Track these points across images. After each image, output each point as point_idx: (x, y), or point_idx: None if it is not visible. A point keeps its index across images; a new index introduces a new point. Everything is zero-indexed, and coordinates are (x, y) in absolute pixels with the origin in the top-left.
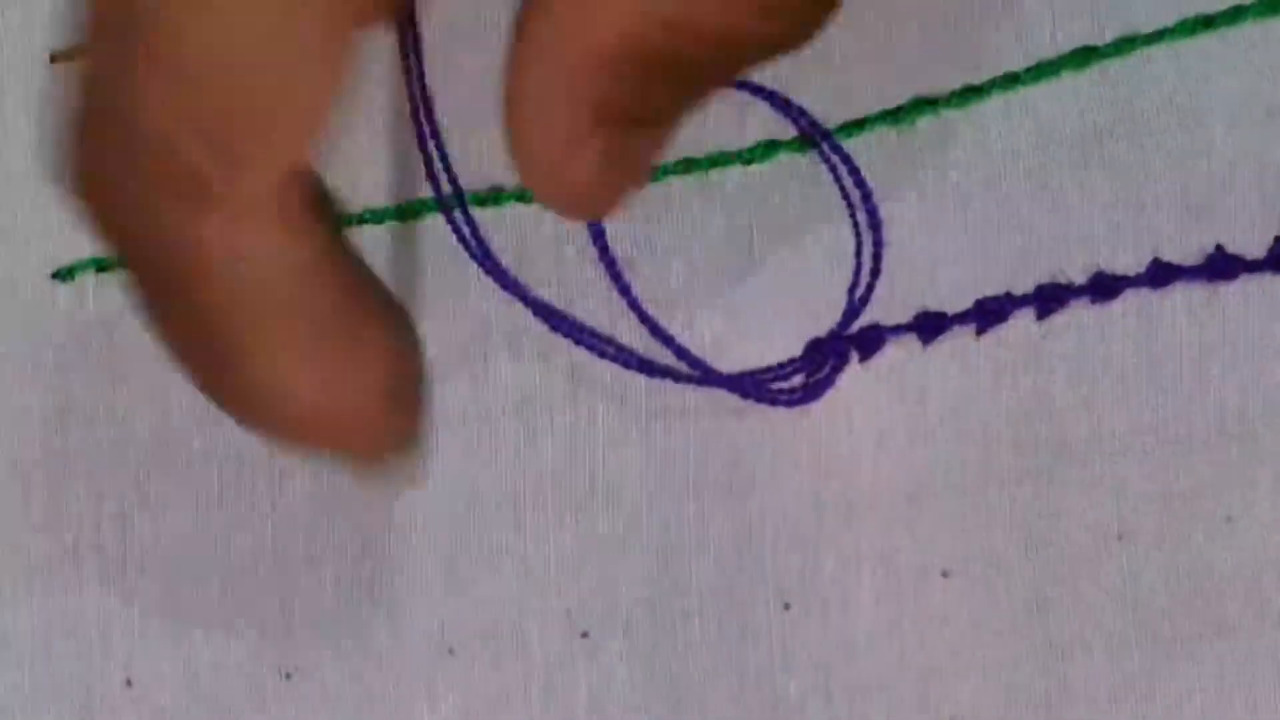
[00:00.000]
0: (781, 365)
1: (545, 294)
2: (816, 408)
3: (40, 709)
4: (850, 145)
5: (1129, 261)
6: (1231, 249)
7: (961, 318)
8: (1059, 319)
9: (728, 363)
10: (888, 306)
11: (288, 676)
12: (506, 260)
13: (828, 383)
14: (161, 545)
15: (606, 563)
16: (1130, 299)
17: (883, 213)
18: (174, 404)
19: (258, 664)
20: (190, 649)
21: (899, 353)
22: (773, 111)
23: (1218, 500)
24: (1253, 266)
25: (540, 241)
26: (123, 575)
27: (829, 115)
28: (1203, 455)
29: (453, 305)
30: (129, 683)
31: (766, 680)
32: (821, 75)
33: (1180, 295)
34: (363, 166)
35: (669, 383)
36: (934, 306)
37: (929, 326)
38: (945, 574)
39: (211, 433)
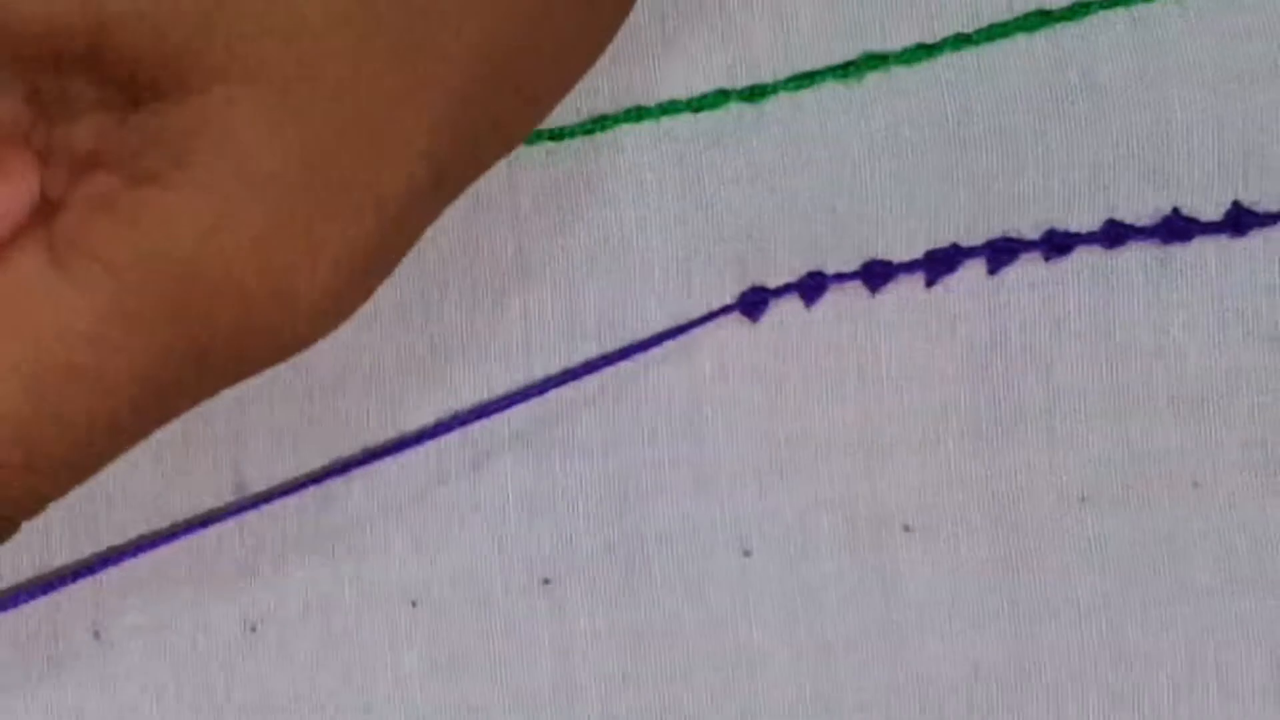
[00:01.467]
0: (714, 313)
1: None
2: (769, 352)
3: (8, 662)
4: (800, 98)
5: (1084, 221)
6: (1188, 212)
7: (909, 267)
8: (1012, 276)
9: (672, 310)
10: (841, 255)
11: (253, 629)
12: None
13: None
14: (126, 499)
15: (566, 510)
16: (1085, 258)
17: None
18: None
19: (223, 616)
20: (157, 601)
21: (849, 301)
22: (727, 59)
23: (1183, 464)
24: (1208, 229)
25: None
26: (89, 529)
27: (778, 69)
28: (1166, 418)
29: (408, 262)
30: (96, 635)
31: (731, 628)
32: (771, 30)
33: (1136, 256)
34: None
35: (619, 327)
36: (884, 256)
37: (877, 274)
38: (907, 529)
39: None
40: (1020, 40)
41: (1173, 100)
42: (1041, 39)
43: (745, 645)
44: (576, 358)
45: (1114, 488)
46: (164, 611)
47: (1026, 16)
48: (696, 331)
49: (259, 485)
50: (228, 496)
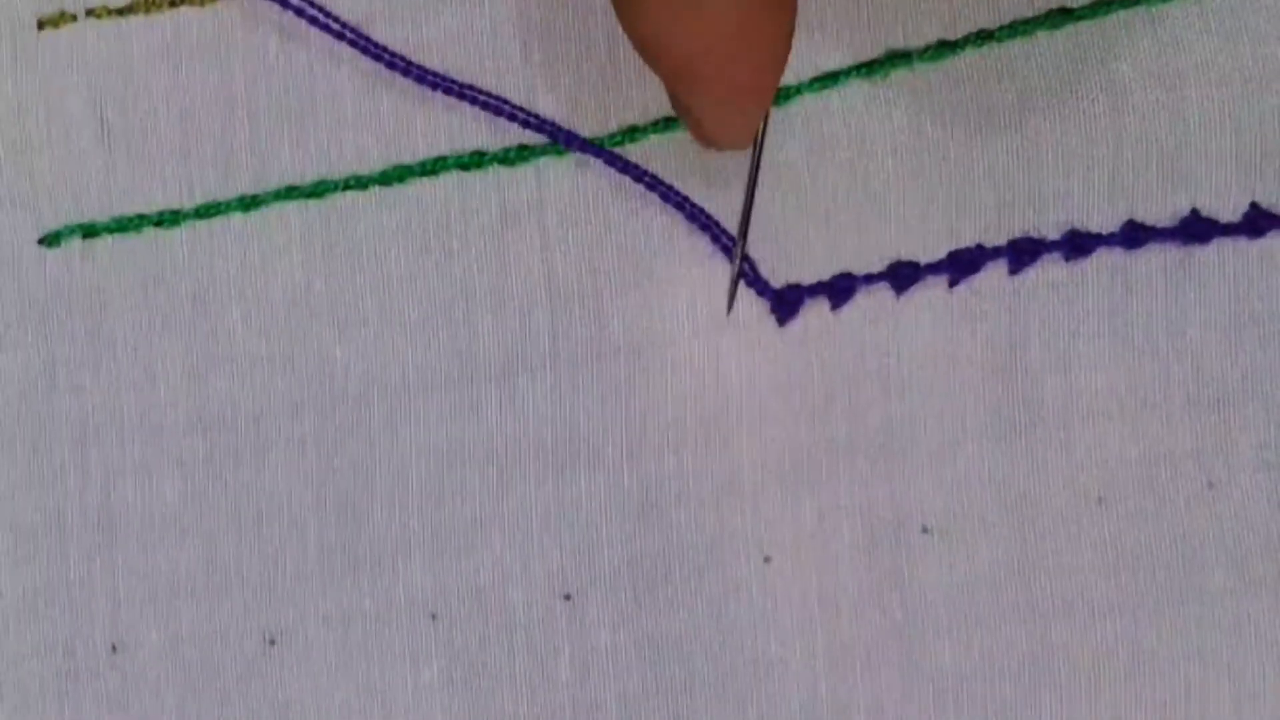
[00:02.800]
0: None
1: None
2: (791, 356)
3: (25, 674)
4: (824, 97)
5: (1104, 221)
6: (1206, 213)
7: (934, 268)
8: (1032, 277)
9: (705, 315)
10: (863, 257)
11: (271, 642)
12: None
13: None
14: (146, 511)
15: (588, 524)
16: (1104, 259)
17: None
18: (159, 370)
19: (242, 629)
20: (175, 615)
21: (872, 302)
22: None
23: (1199, 465)
24: (1227, 230)
25: None
26: (107, 541)
27: (802, 68)
28: (1182, 420)
29: (435, 268)
30: (114, 648)
31: (749, 636)
32: (796, 32)
33: (1155, 257)
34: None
35: (646, 342)
36: (908, 258)
37: (903, 276)
38: (925, 530)
39: (196, 399)
40: (1041, 38)
41: (1191, 101)
42: (1062, 37)
43: (763, 653)
44: (605, 371)
45: (1130, 489)
46: (182, 626)
47: (1048, 14)
48: (723, 339)
49: (281, 494)
50: (248, 513)
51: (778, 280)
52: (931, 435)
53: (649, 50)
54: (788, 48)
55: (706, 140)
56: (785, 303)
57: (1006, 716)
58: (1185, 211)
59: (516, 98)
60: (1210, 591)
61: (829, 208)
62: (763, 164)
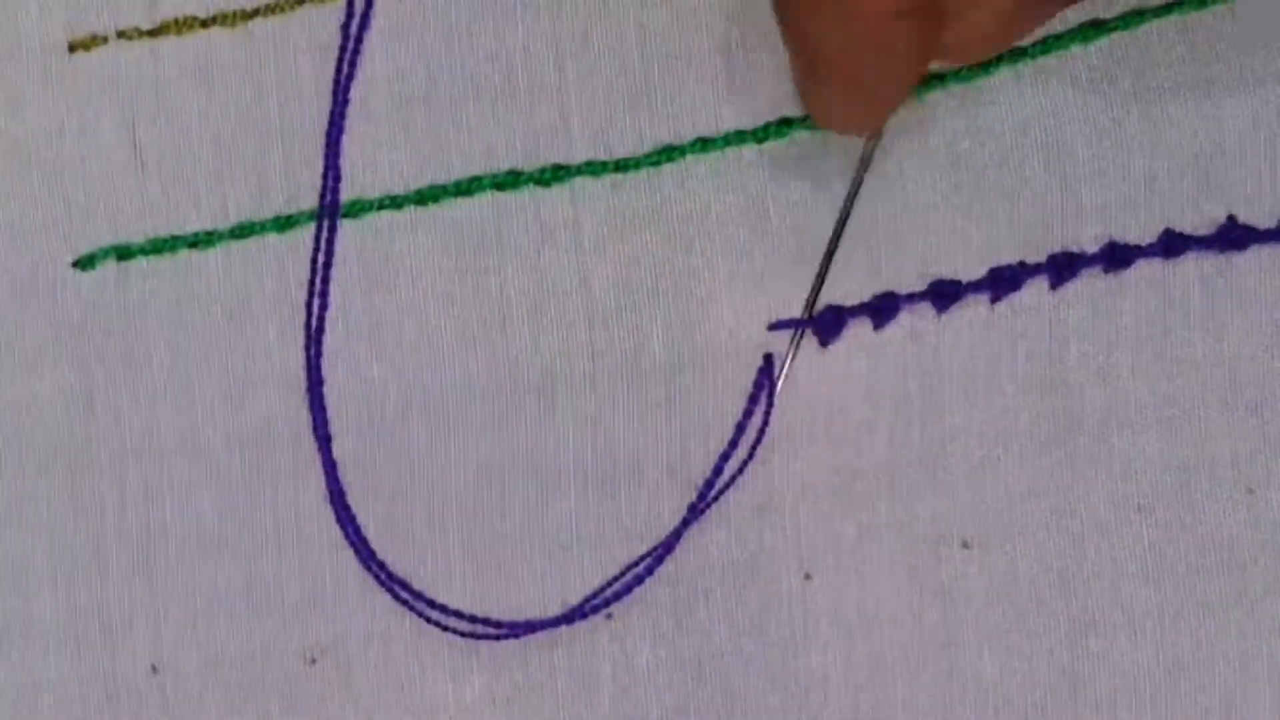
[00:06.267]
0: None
1: None
2: (833, 376)
3: (67, 695)
4: None
5: (1141, 232)
6: (1243, 220)
7: (976, 286)
8: (1071, 290)
9: (744, 333)
10: (903, 275)
11: (312, 661)
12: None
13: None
14: (185, 531)
15: (628, 542)
16: (1143, 269)
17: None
18: (197, 391)
19: (282, 648)
20: (215, 634)
21: (915, 321)
22: (789, 87)
23: (1238, 471)
24: (1264, 237)
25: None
26: (147, 561)
27: None
28: (1220, 426)
29: (472, 287)
30: (154, 669)
31: (790, 652)
32: None
33: (1193, 265)
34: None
35: (687, 358)
36: (948, 275)
37: (944, 295)
38: (966, 545)
39: (234, 419)
40: (1076, 51)
41: (1225, 108)
42: (1095, 50)
43: (804, 668)
44: (644, 389)
45: (1170, 496)
46: (222, 645)
47: (1081, 28)
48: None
49: (321, 512)
50: (288, 531)
51: (820, 302)
52: (972, 451)
53: (798, 43)
54: (930, 56)
55: (827, 122)
56: (827, 324)
57: None
58: (1222, 219)
59: (550, 117)
60: (1250, 596)
61: (868, 228)
62: (805, 188)
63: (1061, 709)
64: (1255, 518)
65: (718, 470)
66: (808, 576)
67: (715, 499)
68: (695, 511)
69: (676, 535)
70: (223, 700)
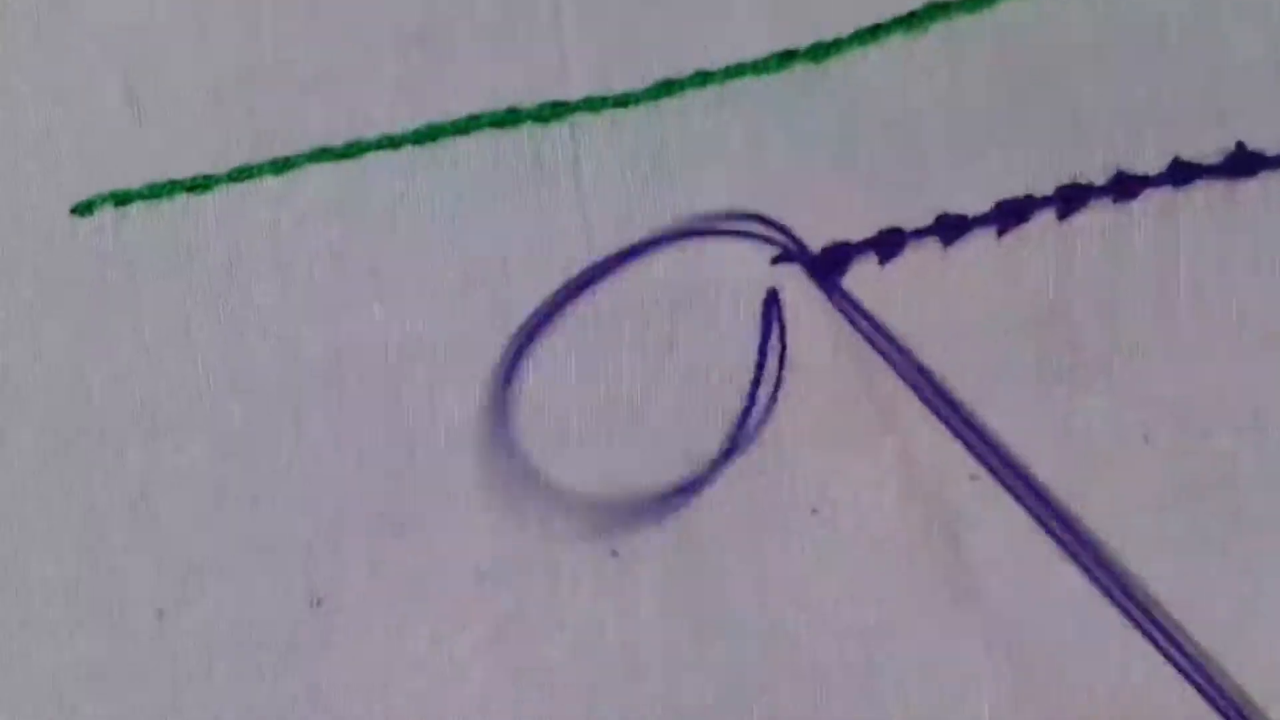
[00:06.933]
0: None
1: None
2: (837, 310)
3: (72, 641)
4: (864, 53)
5: (1149, 162)
6: (1252, 146)
7: (983, 219)
8: (1079, 222)
9: (744, 275)
10: (910, 210)
11: (317, 603)
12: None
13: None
14: (186, 477)
15: (634, 482)
16: (1151, 199)
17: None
18: (196, 337)
19: (287, 591)
20: (219, 578)
21: (920, 255)
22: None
23: (1243, 400)
24: (1273, 163)
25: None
26: (149, 507)
27: (841, 24)
28: (1226, 356)
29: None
30: (160, 614)
31: (797, 587)
32: None
33: (1201, 195)
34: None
35: (688, 298)
36: (955, 210)
37: (951, 228)
38: (973, 478)
39: (236, 366)
40: None
41: (1230, 37)
42: None
43: (812, 601)
44: (648, 327)
45: (1175, 426)
46: (227, 589)
47: None
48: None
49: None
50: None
51: (823, 240)
52: (977, 385)
53: None
54: None
55: None
56: (832, 260)
57: (1059, 653)
58: (1228, 146)
59: (548, 55)
60: (1257, 524)
61: (870, 163)
62: (805, 121)
63: (1073, 634)
64: (1262, 446)
65: (749, 405)
66: (814, 511)
67: (754, 435)
68: (735, 446)
69: (716, 468)
70: (227, 643)
